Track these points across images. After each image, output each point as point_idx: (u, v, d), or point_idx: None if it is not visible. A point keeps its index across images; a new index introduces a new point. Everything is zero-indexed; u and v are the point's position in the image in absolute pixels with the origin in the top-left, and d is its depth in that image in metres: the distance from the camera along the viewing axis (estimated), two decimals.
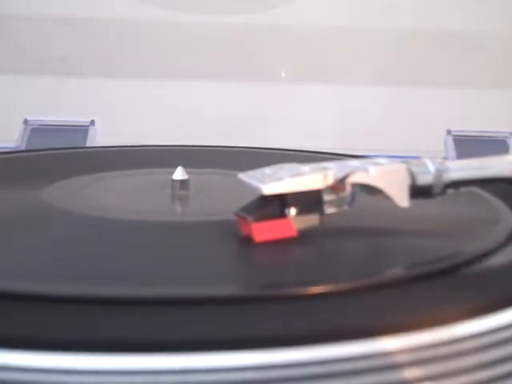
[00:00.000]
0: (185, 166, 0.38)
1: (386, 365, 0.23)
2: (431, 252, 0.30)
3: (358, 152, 0.47)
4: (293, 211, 0.30)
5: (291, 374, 0.22)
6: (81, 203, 0.36)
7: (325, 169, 0.31)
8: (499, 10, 0.64)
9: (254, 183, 0.30)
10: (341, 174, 0.30)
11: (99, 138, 0.57)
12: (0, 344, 0.22)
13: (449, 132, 0.58)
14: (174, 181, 0.37)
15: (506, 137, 0.58)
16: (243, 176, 0.31)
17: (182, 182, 0.37)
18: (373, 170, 0.31)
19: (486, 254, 0.30)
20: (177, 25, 0.63)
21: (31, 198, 0.36)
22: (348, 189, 0.31)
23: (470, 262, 0.29)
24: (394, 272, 0.29)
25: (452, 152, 0.57)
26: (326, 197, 0.31)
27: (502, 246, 0.31)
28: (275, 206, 0.30)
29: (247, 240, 0.30)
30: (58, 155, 0.48)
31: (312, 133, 0.63)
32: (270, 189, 0.30)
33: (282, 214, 0.30)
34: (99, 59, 0.63)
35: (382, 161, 0.32)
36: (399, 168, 0.31)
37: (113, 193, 0.39)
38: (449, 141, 0.58)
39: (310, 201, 0.30)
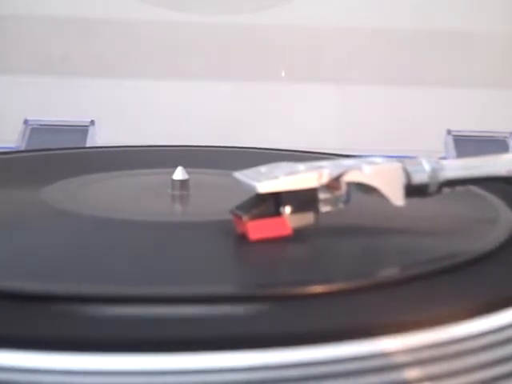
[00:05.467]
0: (185, 166, 0.38)
1: (385, 365, 0.23)
2: (430, 251, 0.30)
3: (358, 152, 0.47)
4: (288, 209, 0.30)
5: (291, 374, 0.22)
6: (81, 203, 0.36)
7: (320, 167, 0.31)
8: (499, 10, 0.64)
9: (249, 182, 0.30)
10: (336, 173, 0.30)
11: (99, 138, 0.57)
12: (0, 344, 0.22)
13: (449, 132, 0.58)
14: (173, 181, 0.37)
15: (506, 137, 0.58)
16: (238, 175, 0.31)
17: (182, 181, 0.37)
18: (367, 168, 0.31)
19: (486, 254, 0.29)
20: (177, 25, 0.63)
21: (31, 198, 0.36)
22: (343, 187, 0.31)
23: (469, 261, 0.29)
24: (393, 272, 0.29)
25: (452, 152, 0.57)
26: (322, 195, 0.31)
27: (502, 245, 0.31)
28: (270, 204, 0.30)
29: (243, 239, 0.30)
30: (58, 155, 0.48)
31: (312, 133, 0.63)
32: (264, 187, 0.30)
33: (277, 213, 0.30)
34: (99, 59, 0.63)
35: (378, 160, 0.32)
36: (394, 167, 0.31)
37: (113, 193, 0.39)
38: (449, 141, 0.58)
39: (305, 199, 0.30)
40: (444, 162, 0.32)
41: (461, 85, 0.63)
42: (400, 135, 0.61)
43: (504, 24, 0.64)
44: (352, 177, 0.31)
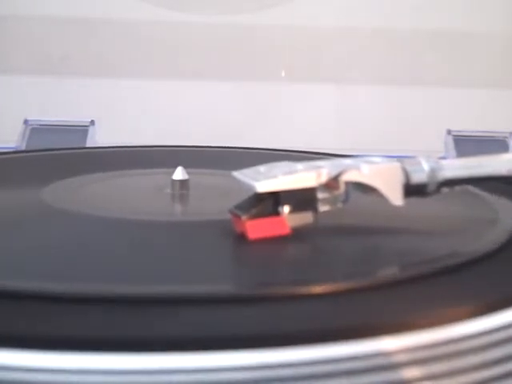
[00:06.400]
0: (185, 166, 0.38)
1: (385, 365, 0.23)
2: (431, 251, 0.30)
3: (358, 152, 0.47)
4: (286, 209, 0.30)
5: (290, 374, 0.22)
6: (81, 203, 0.36)
7: (318, 167, 0.31)
8: (499, 10, 0.64)
9: (248, 181, 0.30)
10: (334, 172, 0.31)
11: (99, 138, 0.57)
12: (0, 344, 0.22)
13: (449, 132, 0.58)
14: (173, 181, 0.37)
15: (506, 137, 0.58)
16: (237, 174, 0.31)
17: (182, 181, 0.37)
18: (366, 168, 0.31)
19: (486, 254, 0.29)
20: (177, 25, 0.63)
21: (31, 198, 0.36)
22: (342, 187, 0.31)
23: (469, 261, 0.29)
24: (393, 272, 0.29)
25: (452, 152, 0.57)
26: (320, 195, 0.31)
27: (502, 245, 0.31)
28: (269, 203, 0.30)
29: (242, 238, 0.30)
30: (58, 155, 0.48)
31: (312, 133, 0.63)
32: (263, 186, 0.30)
33: (276, 212, 0.30)
34: (99, 59, 0.63)
35: (377, 159, 0.32)
36: (393, 166, 0.31)
37: (113, 193, 0.39)
38: (449, 141, 0.58)
39: (303, 199, 0.30)
40: (443, 161, 0.32)
41: (461, 85, 0.63)
42: (400, 135, 0.61)
43: (504, 24, 0.64)
44: (351, 176, 0.31)
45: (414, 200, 0.32)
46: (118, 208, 0.35)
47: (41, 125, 0.57)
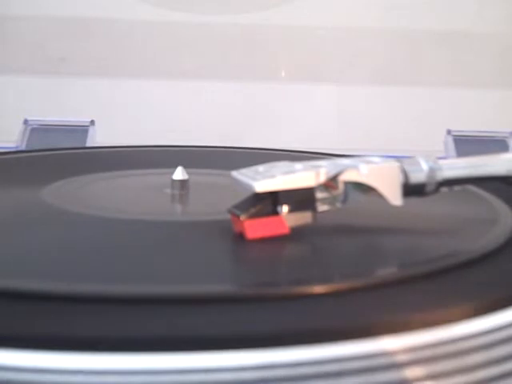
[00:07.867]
0: (185, 166, 0.38)
1: (385, 365, 0.23)
2: (431, 251, 0.30)
3: (358, 152, 0.47)
4: (285, 209, 0.30)
5: (290, 374, 0.22)
6: (81, 203, 0.36)
7: (317, 167, 0.31)
8: (499, 10, 0.64)
9: (247, 181, 0.30)
10: (333, 172, 0.31)
11: (99, 138, 0.57)
12: (0, 344, 0.22)
13: (449, 132, 0.58)
14: (173, 181, 0.37)
15: (506, 137, 0.58)
16: (236, 174, 0.31)
17: (182, 181, 0.37)
18: (364, 168, 0.31)
19: (486, 254, 0.29)
20: (177, 25, 0.63)
21: (31, 198, 0.36)
22: (340, 187, 0.31)
23: (469, 261, 0.29)
24: (394, 271, 0.29)
25: (452, 152, 0.57)
26: (319, 195, 0.31)
27: (502, 245, 0.31)
28: (268, 203, 0.30)
29: (240, 238, 0.30)
30: (58, 155, 0.48)
31: (312, 133, 0.63)
32: (262, 186, 0.30)
33: (275, 212, 0.30)
34: (99, 59, 0.63)
35: (376, 159, 0.32)
36: (392, 166, 0.31)
37: (113, 193, 0.39)
38: (449, 141, 0.58)
39: (302, 198, 0.30)
40: (442, 161, 0.32)
41: (461, 85, 0.63)
42: (400, 135, 0.61)
43: (504, 24, 0.64)
44: (349, 176, 0.31)
45: (413, 200, 0.32)
46: (118, 208, 0.35)
47: (41, 125, 0.57)
